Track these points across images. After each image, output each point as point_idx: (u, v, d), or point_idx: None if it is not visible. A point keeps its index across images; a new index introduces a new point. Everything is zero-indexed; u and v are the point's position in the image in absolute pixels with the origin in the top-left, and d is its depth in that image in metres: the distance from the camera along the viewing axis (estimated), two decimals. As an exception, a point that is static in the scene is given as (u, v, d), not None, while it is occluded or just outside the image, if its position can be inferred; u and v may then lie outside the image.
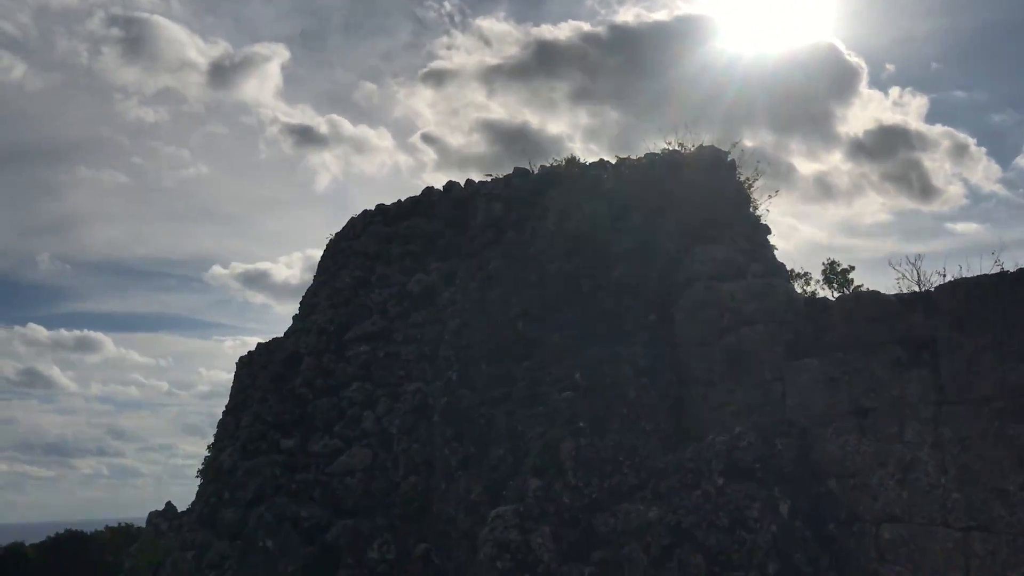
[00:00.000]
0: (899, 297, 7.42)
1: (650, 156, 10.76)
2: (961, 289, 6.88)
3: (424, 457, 10.52)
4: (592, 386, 9.05)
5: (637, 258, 9.42)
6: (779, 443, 7.62)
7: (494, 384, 10.34)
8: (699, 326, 8.87)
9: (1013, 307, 6.54)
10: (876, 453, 7.25)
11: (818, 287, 12.73)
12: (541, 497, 8.61)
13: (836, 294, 11.43)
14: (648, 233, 9.56)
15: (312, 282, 13.81)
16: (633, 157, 11.10)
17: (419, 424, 10.72)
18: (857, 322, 7.57)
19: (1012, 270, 6.69)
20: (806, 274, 13.12)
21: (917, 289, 7.35)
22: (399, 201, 13.00)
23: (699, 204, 9.79)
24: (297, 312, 13.71)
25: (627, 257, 9.46)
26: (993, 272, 6.81)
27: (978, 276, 6.85)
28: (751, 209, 10.71)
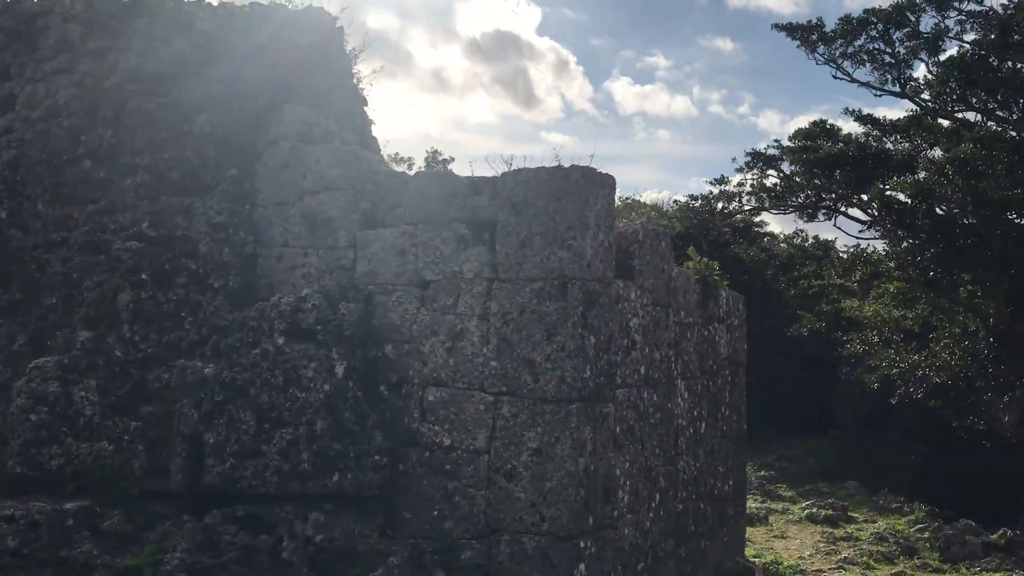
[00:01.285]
0: (469, 180, 7.79)
1: (255, 5, 10.20)
2: (522, 177, 7.38)
3: (-41, 300, 9.37)
4: (161, 238, 8.55)
5: (224, 108, 8.94)
6: (343, 307, 7.77)
7: (52, 227, 9.41)
8: (281, 186, 8.70)
9: (562, 198, 7.16)
10: (431, 322, 7.67)
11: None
12: (90, 349, 8.07)
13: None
14: (239, 85, 9.09)
15: None
16: (238, 3, 10.48)
17: (-44, 263, 9.48)
18: (430, 199, 7.85)
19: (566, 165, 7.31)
20: (409, 159, 13.49)
21: (487, 175, 7.78)
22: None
23: (298, 64, 9.47)
24: None
25: (213, 106, 8.94)
26: (551, 165, 7.36)
27: (537, 168, 7.38)
28: (354, 80, 10.64)
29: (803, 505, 18.54)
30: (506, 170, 7.55)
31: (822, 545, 14.37)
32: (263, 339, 7.62)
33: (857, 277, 26.74)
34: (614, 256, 7.66)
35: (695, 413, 9.82)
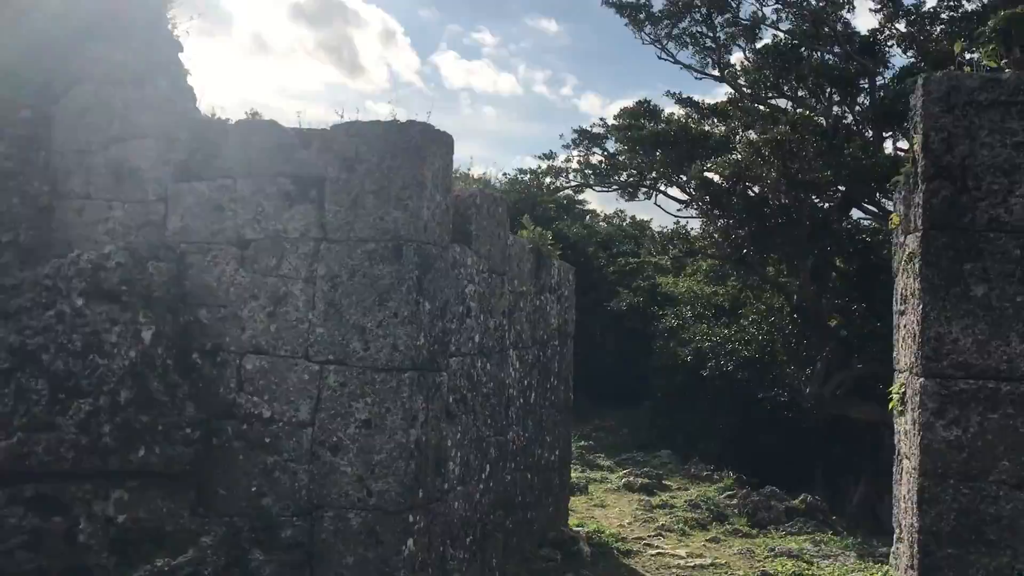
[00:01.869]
0: (297, 131, 7.25)
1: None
2: (354, 130, 6.92)
3: None
4: (-63, 183, 7.52)
5: (15, 39, 7.95)
6: (152, 267, 7.08)
7: None
8: (83, 132, 7.84)
9: (399, 155, 6.76)
10: (251, 285, 7.11)
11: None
12: None
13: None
14: (36, 14, 8.10)
15: None
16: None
17: None
18: (252, 151, 7.26)
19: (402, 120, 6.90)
20: (227, 120, 12.60)
21: (316, 127, 7.25)
22: None
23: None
24: None
25: (1, 35, 7.93)
26: (387, 120, 6.94)
27: (372, 122, 6.94)
28: (169, 27, 9.79)
29: (620, 474, 18.96)
30: (338, 121, 7.05)
31: (640, 513, 14.68)
32: (59, 300, 6.83)
33: (671, 255, 27.65)
34: (451, 219, 7.34)
35: (526, 383, 9.68)
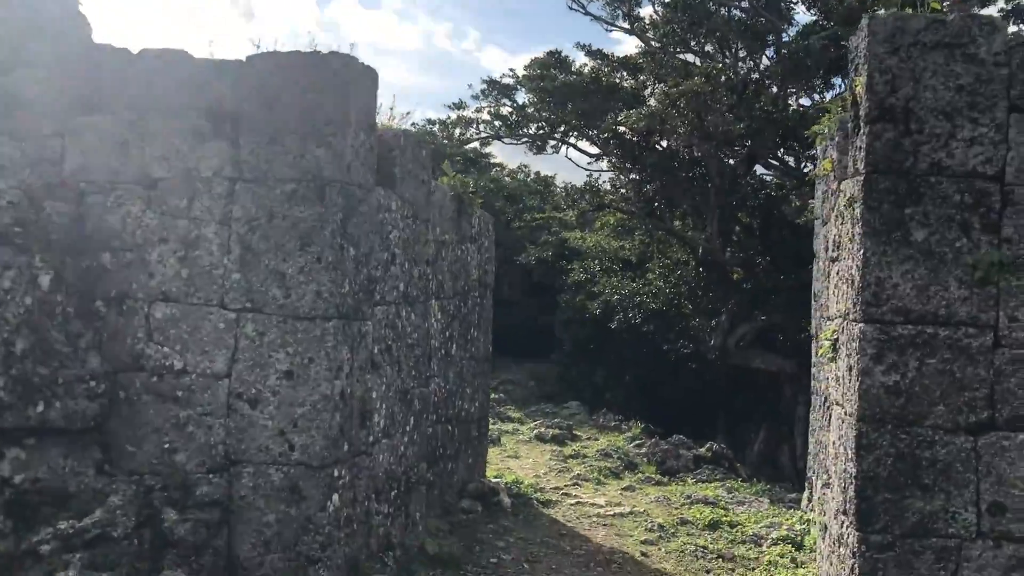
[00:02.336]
0: (209, 62, 6.72)
1: None
2: (272, 62, 6.45)
3: None
4: None
5: None
6: (49, 207, 6.50)
7: None
8: (-35, 59, 7.10)
9: (321, 89, 6.33)
10: (160, 227, 6.60)
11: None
12: None
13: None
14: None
15: None
16: None
17: None
18: (159, 83, 6.70)
19: (325, 51, 6.45)
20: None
21: (229, 58, 6.72)
22: None
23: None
24: None
25: None
26: (308, 50, 6.48)
27: (291, 52, 6.47)
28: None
29: (531, 426, 18.93)
30: (253, 52, 6.54)
31: (554, 463, 14.66)
32: (-58, 242, 6.20)
33: (579, 209, 27.62)
34: (375, 160, 6.96)
35: (447, 334, 9.41)
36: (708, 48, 26.01)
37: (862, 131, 5.79)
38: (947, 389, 5.62)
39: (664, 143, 18.00)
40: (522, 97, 24.96)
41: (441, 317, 9.15)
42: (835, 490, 6.34)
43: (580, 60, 25.50)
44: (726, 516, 10.23)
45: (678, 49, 25.79)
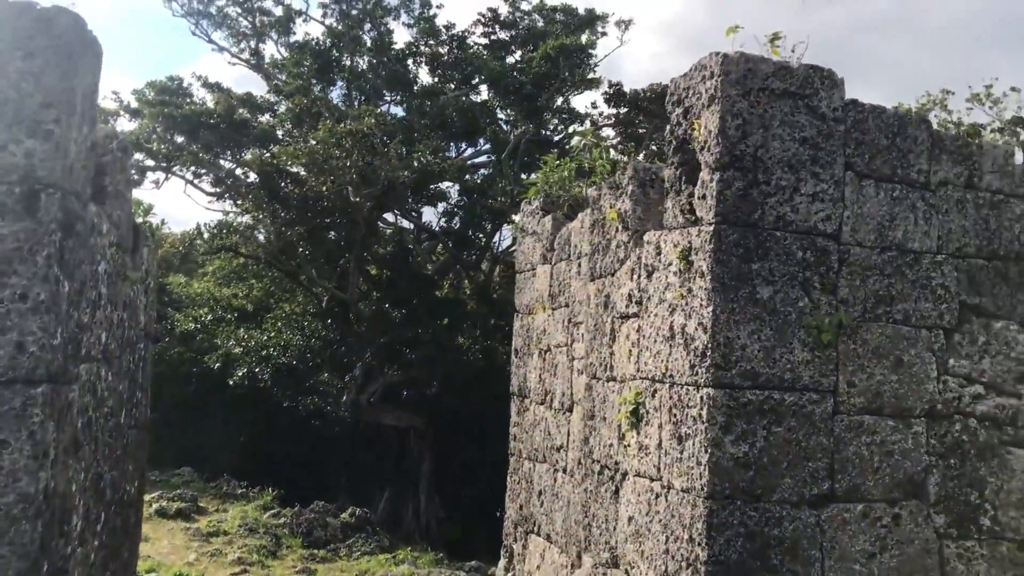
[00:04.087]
0: None
1: None
2: (-41, 7, 4.43)
3: None
4: None
5: None
6: None
7: None
8: None
9: (40, 54, 4.45)
10: None
11: None
12: None
13: None
14: None
15: None
16: None
17: None
18: None
19: None
20: None
21: None
22: None
23: None
24: None
25: None
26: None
27: (-15, 0, 4.51)
28: None
29: (148, 499, 16.41)
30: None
31: (198, 545, 12.66)
32: None
33: (196, 251, 25.17)
34: (94, 165, 5.12)
35: (125, 397, 7.40)
36: (334, 94, 25.31)
37: (709, 178, 5.30)
38: (793, 459, 5.24)
39: (315, 184, 16.72)
40: (131, 125, 21.96)
41: (117, 375, 7.16)
42: (656, 572, 5.68)
43: (199, 92, 23.29)
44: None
45: (304, 91, 24.72)
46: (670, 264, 5.71)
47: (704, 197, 5.35)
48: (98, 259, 5.35)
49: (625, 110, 23.40)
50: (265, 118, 23.27)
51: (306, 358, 21.90)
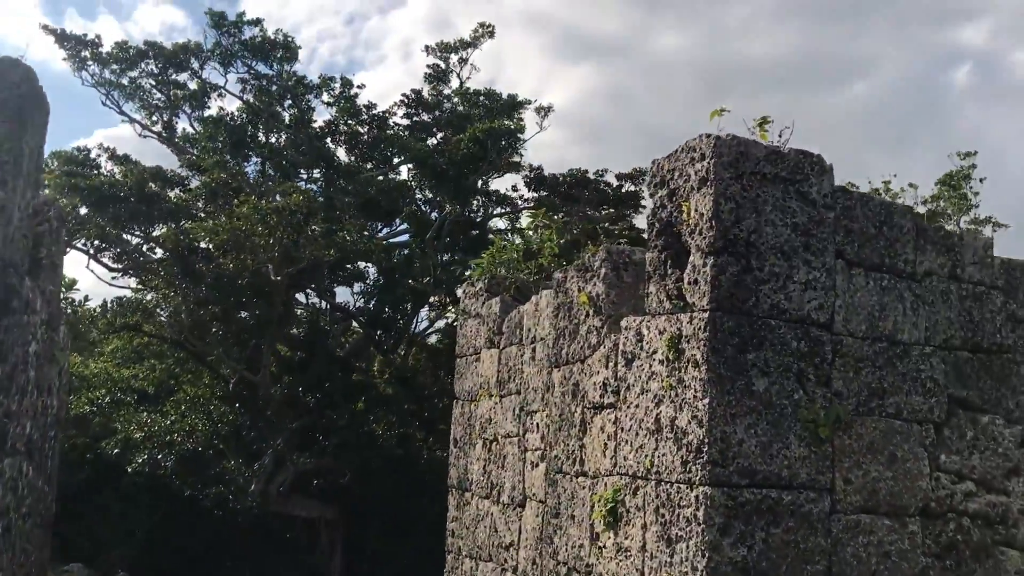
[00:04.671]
0: None
1: None
2: None
3: None
4: None
5: None
6: None
7: None
8: None
9: (-18, 108, 3.94)
10: None
11: None
12: None
13: None
14: None
15: None
16: None
17: None
18: None
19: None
20: None
21: None
22: None
23: None
24: None
25: None
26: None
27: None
28: None
29: (36, 600, 14.99)
30: None
31: (95, 653, 11.51)
32: None
33: (97, 330, 23.89)
34: (32, 234, 4.56)
35: (41, 494, 6.63)
36: (249, 168, 24.71)
37: (701, 263, 5.06)
38: (792, 563, 4.91)
39: (233, 262, 16.01)
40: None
41: (33, 472, 6.41)
42: None
43: (105, 164, 22.42)
44: None
45: (220, 169, 24.07)
46: (654, 352, 5.42)
47: (696, 282, 5.10)
48: (30, 339, 4.75)
49: (544, 193, 23.49)
50: (175, 192, 22.46)
51: (212, 444, 20.75)
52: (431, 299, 21.00)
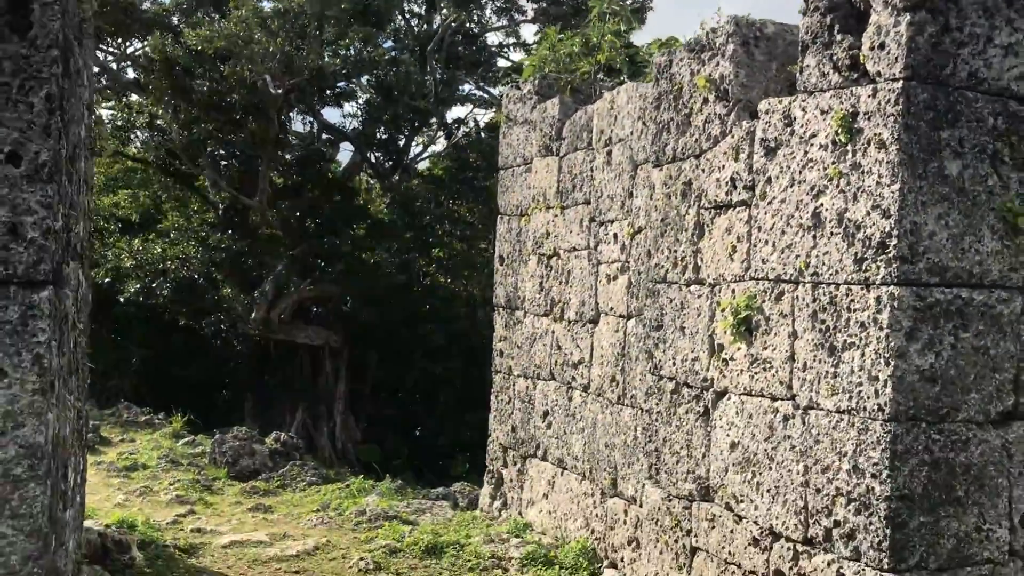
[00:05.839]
0: None
1: None
2: None
3: None
4: None
5: None
6: None
7: None
8: None
9: None
10: None
11: None
12: None
13: None
14: None
15: None
16: None
17: None
18: None
19: None
20: None
21: None
22: None
23: None
24: None
25: None
26: None
27: None
28: None
29: (44, 430, 14.59)
30: None
31: (120, 482, 11.19)
32: None
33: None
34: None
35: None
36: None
37: (891, 22, 4.19)
38: (980, 371, 4.31)
39: (231, 72, 14.66)
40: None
41: (85, 281, 5.63)
42: (786, 507, 4.71)
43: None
44: (442, 535, 8.07)
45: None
46: (812, 136, 4.62)
47: (883, 46, 4.24)
48: (85, 114, 3.85)
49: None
50: (148, 4, 20.72)
51: (208, 272, 19.99)
52: (433, 119, 19.83)
